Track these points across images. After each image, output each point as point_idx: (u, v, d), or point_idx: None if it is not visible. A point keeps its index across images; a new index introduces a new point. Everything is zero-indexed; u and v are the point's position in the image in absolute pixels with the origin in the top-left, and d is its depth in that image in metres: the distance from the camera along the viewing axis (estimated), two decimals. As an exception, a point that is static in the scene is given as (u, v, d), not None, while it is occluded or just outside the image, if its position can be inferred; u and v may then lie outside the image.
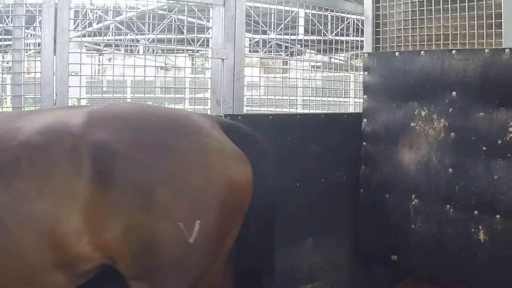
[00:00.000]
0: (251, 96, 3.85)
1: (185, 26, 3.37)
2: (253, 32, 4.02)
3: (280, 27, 4.24)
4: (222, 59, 3.10)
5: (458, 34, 3.25)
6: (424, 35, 3.44)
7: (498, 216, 2.98)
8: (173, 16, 3.71)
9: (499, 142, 2.99)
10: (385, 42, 3.64)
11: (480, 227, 3.05)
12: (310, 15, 4.09)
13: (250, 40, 4.52)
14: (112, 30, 3.54)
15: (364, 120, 3.65)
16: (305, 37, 4.29)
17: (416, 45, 3.45)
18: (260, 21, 3.85)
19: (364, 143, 3.65)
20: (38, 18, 2.69)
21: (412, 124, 3.37)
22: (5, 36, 2.85)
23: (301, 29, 4.48)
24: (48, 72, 2.58)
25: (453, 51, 3.20)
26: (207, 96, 3.31)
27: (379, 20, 3.64)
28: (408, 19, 3.47)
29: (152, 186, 1.82)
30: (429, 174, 3.28)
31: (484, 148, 3.05)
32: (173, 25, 3.51)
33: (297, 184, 3.37)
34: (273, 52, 5.06)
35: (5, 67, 3.15)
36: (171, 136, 1.93)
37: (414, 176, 3.35)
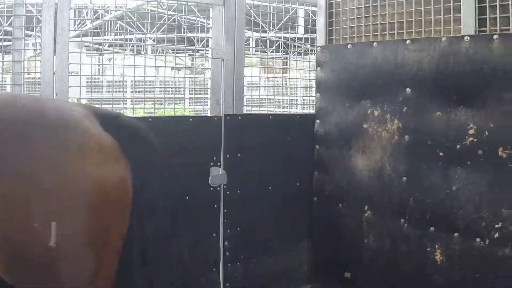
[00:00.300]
0: (251, 96, 3.48)
1: (185, 26, 3.14)
2: (253, 31, 3.74)
3: (279, 25, 3.84)
4: (222, 59, 2.91)
5: (413, 21, 2.65)
6: (377, 24, 2.84)
7: (456, 234, 2.39)
8: (174, 15, 3.41)
9: (458, 147, 2.39)
10: (339, 34, 3.06)
11: (436, 246, 2.46)
12: (310, 13, 3.64)
13: (251, 38, 4.15)
14: (112, 29, 3.22)
15: (317, 121, 3.09)
16: (305, 36, 3.94)
17: (370, 35, 2.87)
18: (260, 21, 3.51)
19: (317, 146, 3.09)
20: (40, 22, 2.55)
21: (365, 126, 2.80)
22: (5, 37, 2.75)
23: (300, 29, 4.15)
24: (48, 72, 2.48)
25: (407, 41, 2.61)
26: (207, 96, 3.12)
27: (332, 9, 3.06)
28: (362, 7, 2.88)
29: (3, 182, 1.57)
30: (382, 182, 2.71)
31: (441, 154, 2.45)
32: (175, 25, 3.30)
33: (297, 184, 3.14)
34: (279, 51, 4.66)
35: (6, 67, 2.99)
36: (28, 127, 1.66)
37: (367, 184, 2.79)
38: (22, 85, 2.62)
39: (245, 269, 2.96)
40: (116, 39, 4.47)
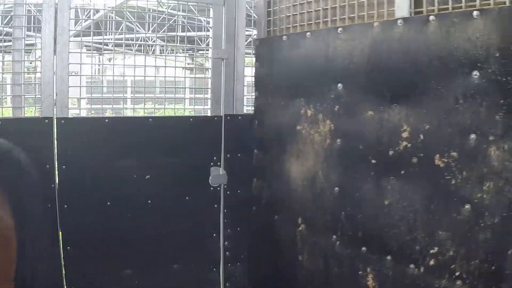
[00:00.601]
0: (251, 96, 3.10)
1: (184, 25, 2.93)
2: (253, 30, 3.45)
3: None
4: (222, 59, 2.71)
5: (347, 6, 2.11)
6: (312, 11, 2.31)
7: (389, 257, 1.84)
8: (175, 14, 3.11)
9: (391, 153, 1.84)
10: (277, 24, 2.55)
11: (368, 269, 1.93)
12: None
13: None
14: (110, 28, 2.99)
15: (256, 122, 2.59)
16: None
17: (304, 25, 2.34)
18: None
19: (256, 150, 2.59)
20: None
21: (298, 127, 2.28)
22: (5, 37, 2.65)
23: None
24: (48, 72, 2.33)
25: (339, 29, 2.07)
26: (207, 96, 2.93)
27: (271, -3, 2.55)
28: (298, -8, 2.36)
29: None
30: (315, 192, 2.19)
31: (373, 161, 1.91)
32: (175, 25, 3.12)
33: None
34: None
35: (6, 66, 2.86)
36: None
37: (301, 194, 2.27)
38: (22, 85, 2.46)
39: (245, 269, 2.74)
40: (117, 39, 4.18)
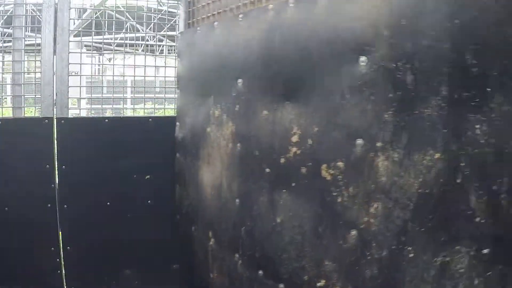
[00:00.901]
0: None
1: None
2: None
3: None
4: None
5: (248, -12, 1.69)
6: (221, -3, 1.90)
7: (281, 285, 1.42)
8: (177, 12, 2.92)
9: (282, 160, 1.41)
10: (196, 15, 2.14)
11: (264, 298, 1.51)
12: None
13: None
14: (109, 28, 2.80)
15: (177, 123, 2.20)
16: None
17: (215, 14, 1.93)
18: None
19: (178, 154, 2.20)
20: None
21: (208, 130, 1.87)
22: (5, 38, 2.54)
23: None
24: (48, 72, 2.20)
25: (239, 16, 1.65)
26: None
27: (193, -15, 2.15)
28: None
29: None
30: (221, 204, 1.77)
31: (267, 170, 1.48)
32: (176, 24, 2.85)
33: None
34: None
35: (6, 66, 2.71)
36: None
37: (210, 205, 1.86)
38: (22, 85, 2.33)
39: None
40: (117, 38, 3.94)
